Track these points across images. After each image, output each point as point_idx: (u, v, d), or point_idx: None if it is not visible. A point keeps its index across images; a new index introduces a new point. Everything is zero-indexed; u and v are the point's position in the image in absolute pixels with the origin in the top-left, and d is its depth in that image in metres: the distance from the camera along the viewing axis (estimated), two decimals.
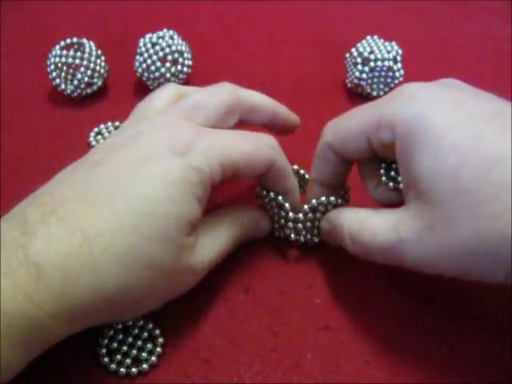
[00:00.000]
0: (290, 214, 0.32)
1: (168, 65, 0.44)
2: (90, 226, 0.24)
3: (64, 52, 0.45)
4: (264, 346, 0.30)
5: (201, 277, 0.29)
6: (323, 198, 0.32)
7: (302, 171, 0.38)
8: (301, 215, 0.32)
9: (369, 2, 0.60)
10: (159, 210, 0.25)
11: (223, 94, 0.32)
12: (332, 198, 0.32)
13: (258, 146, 0.30)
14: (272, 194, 0.32)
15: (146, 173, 0.26)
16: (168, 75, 0.45)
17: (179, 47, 0.45)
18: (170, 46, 0.44)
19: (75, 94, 0.45)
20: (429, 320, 0.31)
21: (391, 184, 0.30)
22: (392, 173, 0.30)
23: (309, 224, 0.33)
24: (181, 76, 0.46)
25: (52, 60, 0.45)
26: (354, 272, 0.33)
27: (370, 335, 0.30)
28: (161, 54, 0.44)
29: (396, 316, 0.31)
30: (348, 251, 0.29)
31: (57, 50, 0.45)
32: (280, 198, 0.32)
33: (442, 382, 0.28)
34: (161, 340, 0.29)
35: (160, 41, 0.44)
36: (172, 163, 0.26)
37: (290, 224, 0.32)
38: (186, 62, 0.45)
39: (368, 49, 0.45)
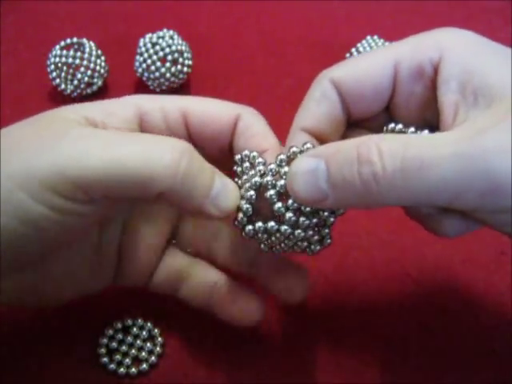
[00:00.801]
0: (261, 166, 0.24)
1: (168, 65, 0.44)
2: None
3: (64, 52, 0.45)
4: (264, 346, 0.30)
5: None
6: (309, 145, 0.23)
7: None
8: (273, 165, 0.24)
9: (369, 2, 0.60)
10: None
11: None
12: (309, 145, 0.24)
13: (216, 100, 0.28)
14: (246, 151, 0.25)
15: None
16: (168, 75, 0.45)
17: (179, 47, 0.45)
18: (170, 46, 0.44)
19: (75, 94, 0.45)
20: (429, 320, 0.31)
21: (399, 127, 0.25)
22: (399, 125, 0.25)
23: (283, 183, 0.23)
24: (181, 76, 0.46)
25: (52, 60, 0.45)
26: (355, 273, 0.33)
27: (370, 335, 0.30)
28: (161, 53, 0.44)
29: (396, 316, 0.31)
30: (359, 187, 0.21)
31: (57, 50, 0.45)
32: (254, 153, 0.25)
33: (442, 381, 0.28)
34: (161, 340, 0.29)
35: (160, 41, 0.44)
36: None
37: (256, 180, 0.24)
38: (186, 61, 0.45)
39: (368, 49, 0.45)
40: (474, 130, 0.20)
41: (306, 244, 0.25)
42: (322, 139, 0.26)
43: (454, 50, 0.23)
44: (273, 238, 0.24)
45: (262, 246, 0.25)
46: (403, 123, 0.26)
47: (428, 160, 0.20)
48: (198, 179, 0.23)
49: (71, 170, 0.21)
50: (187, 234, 0.29)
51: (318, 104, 0.26)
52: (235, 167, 0.26)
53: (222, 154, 0.27)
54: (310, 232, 0.24)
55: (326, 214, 0.24)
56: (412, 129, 0.25)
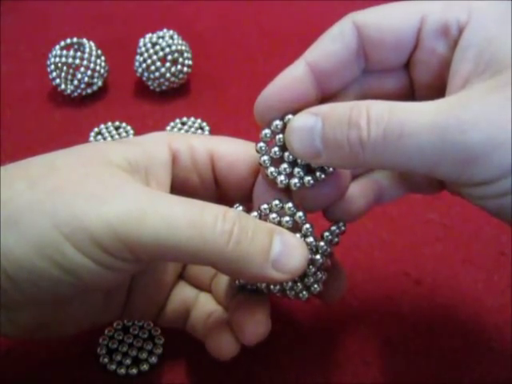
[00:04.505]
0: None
1: (168, 65, 0.44)
2: None
3: (64, 52, 0.45)
4: (264, 347, 0.30)
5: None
6: (277, 202, 0.24)
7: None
8: (255, 213, 0.24)
9: (369, 2, 0.60)
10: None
11: None
12: (290, 205, 0.24)
13: (244, 143, 0.27)
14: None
15: None
16: (168, 75, 0.45)
17: (179, 47, 0.45)
18: (170, 46, 0.44)
19: (75, 94, 0.45)
20: (429, 320, 0.31)
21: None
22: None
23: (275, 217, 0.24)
24: (181, 76, 0.46)
25: (52, 60, 0.45)
26: (354, 273, 0.33)
27: (370, 335, 0.30)
28: (161, 54, 0.44)
29: (396, 316, 0.31)
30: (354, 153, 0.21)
31: (57, 50, 0.45)
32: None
33: (442, 381, 0.28)
34: (161, 340, 0.29)
35: (160, 41, 0.44)
36: None
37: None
38: (186, 61, 0.45)
39: None
40: (459, 100, 0.20)
41: (293, 292, 0.25)
42: (323, 79, 0.24)
43: (482, 14, 0.22)
44: None
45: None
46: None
47: (408, 129, 0.19)
48: (252, 246, 0.22)
49: (125, 231, 0.20)
50: (194, 269, 0.29)
51: (333, 41, 0.24)
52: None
53: (245, 197, 0.27)
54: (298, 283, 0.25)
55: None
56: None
